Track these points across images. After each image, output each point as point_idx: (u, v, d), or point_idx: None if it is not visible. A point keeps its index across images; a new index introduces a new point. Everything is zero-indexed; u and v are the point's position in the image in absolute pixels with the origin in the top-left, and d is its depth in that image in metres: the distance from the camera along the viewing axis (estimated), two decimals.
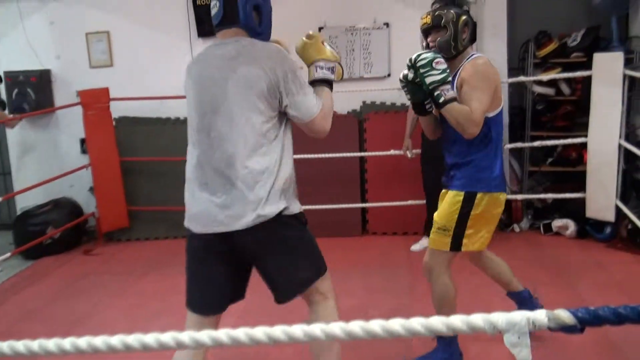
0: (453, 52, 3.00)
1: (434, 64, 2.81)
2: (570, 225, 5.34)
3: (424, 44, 3.14)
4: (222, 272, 2.58)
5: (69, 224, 5.95)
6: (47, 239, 5.77)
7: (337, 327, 1.23)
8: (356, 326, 1.21)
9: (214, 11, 2.56)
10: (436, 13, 3.01)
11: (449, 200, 3.05)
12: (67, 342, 1.30)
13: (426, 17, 3.05)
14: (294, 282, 2.58)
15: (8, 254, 5.20)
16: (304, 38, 2.68)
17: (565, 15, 5.94)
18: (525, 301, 3.42)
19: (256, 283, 2.67)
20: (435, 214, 3.14)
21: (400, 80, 3.02)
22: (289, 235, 2.54)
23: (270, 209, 2.44)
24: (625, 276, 4.47)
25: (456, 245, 3.05)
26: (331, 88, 2.69)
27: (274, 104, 2.45)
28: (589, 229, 5.28)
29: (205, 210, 2.49)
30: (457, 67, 3.02)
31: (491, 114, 2.97)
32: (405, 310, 4.04)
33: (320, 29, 5.96)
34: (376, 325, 1.20)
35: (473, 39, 3.09)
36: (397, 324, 1.18)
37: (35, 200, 6.20)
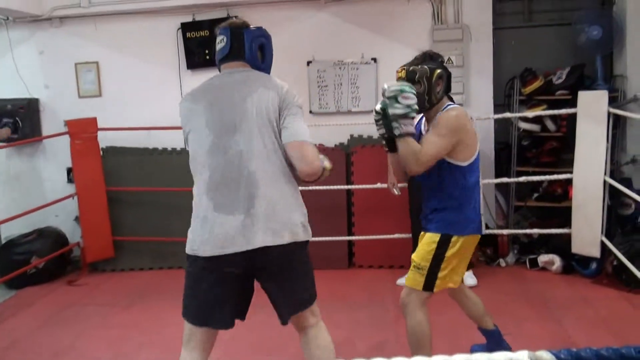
0: (427, 105, 3.08)
1: (399, 98, 2.89)
2: (556, 261, 5.36)
3: None
4: (231, 290, 2.65)
5: (54, 253, 5.90)
6: (31, 269, 5.72)
7: None
8: None
9: (220, 46, 2.74)
10: (410, 68, 3.08)
11: (426, 241, 3.17)
12: None
13: (401, 71, 3.13)
14: (299, 301, 2.72)
15: None
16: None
17: (550, 53, 6.03)
18: (494, 339, 3.61)
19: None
20: (413, 254, 3.23)
21: (376, 112, 3.04)
22: (303, 255, 2.70)
23: (291, 230, 2.58)
24: (611, 312, 4.47)
25: (429, 285, 3.13)
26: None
27: (279, 124, 2.63)
28: (574, 265, 5.30)
29: (222, 231, 2.52)
30: (433, 118, 3.11)
31: (465, 163, 3.08)
32: (391, 344, 4.03)
33: (308, 62, 6.02)
34: None
35: (448, 89, 3.16)
36: None
37: (19, 229, 6.15)
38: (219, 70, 2.78)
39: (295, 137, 2.61)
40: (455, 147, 3.03)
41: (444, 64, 3.20)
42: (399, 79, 3.12)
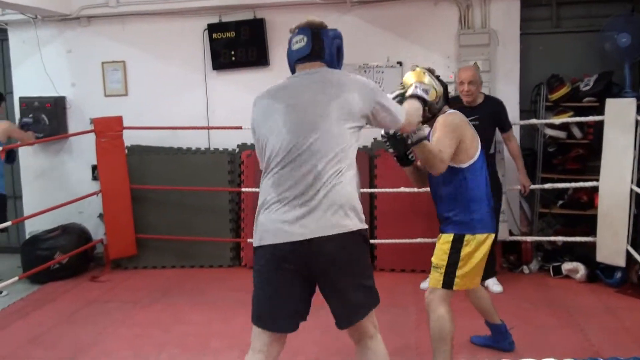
0: (429, 115, 3.31)
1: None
2: (580, 269, 5.30)
3: None
4: (295, 288, 2.63)
5: (77, 249, 5.96)
6: (55, 264, 5.77)
7: None
8: None
9: (298, 45, 2.75)
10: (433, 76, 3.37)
11: (441, 242, 3.33)
12: None
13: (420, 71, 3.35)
14: (359, 304, 2.69)
15: (16, 278, 5.21)
16: (410, 70, 3.31)
17: (578, 60, 5.97)
18: (500, 333, 3.90)
19: None
20: (433, 256, 3.38)
21: (382, 136, 3.15)
22: (362, 251, 2.67)
23: (351, 222, 2.58)
24: (635, 322, 4.41)
25: (448, 283, 3.26)
26: (424, 104, 3.12)
27: (362, 122, 2.69)
28: (599, 273, 5.24)
29: (281, 225, 2.55)
30: (434, 124, 3.34)
31: (465, 165, 3.26)
32: (411, 350, 4.00)
33: None
34: None
35: (446, 101, 3.41)
36: None
37: (44, 225, 6.21)
38: (293, 70, 2.81)
39: (395, 121, 2.79)
40: (456, 147, 3.22)
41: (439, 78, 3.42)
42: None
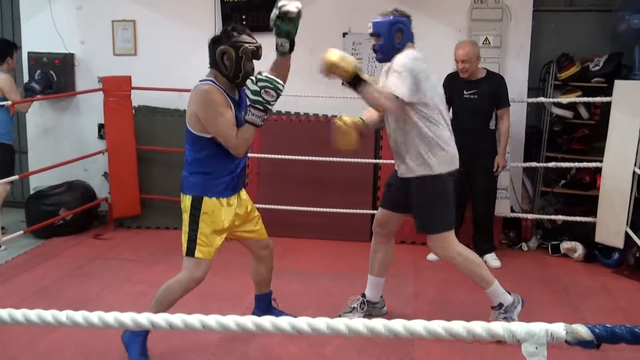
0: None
1: (262, 92, 3.18)
2: (579, 248, 5.35)
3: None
4: None
5: (82, 207, 6.02)
6: (59, 220, 5.83)
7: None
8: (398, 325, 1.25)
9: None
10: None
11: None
12: (79, 315, 1.35)
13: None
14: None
15: (20, 232, 5.27)
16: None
17: (589, 39, 5.95)
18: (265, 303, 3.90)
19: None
20: None
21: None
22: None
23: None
24: (630, 303, 4.48)
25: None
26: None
27: None
28: (596, 254, 5.30)
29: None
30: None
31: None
32: (409, 318, 4.06)
33: (344, 34, 6.01)
34: (399, 325, 1.23)
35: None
36: (419, 325, 1.22)
37: (48, 181, 6.27)
38: (402, 46, 3.63)
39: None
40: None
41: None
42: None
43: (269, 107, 3.19)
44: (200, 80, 3.31)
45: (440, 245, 3.72)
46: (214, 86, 3.25)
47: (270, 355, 3.61)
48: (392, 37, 3.58)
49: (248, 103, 3.23)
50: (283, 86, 3.19)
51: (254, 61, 3.33)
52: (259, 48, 3.32)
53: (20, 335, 3.74)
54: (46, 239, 5.80)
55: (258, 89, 3.16)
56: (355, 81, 3.42)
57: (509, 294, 3.84)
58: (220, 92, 3.25)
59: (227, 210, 3.39)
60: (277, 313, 3.80)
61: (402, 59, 3.52)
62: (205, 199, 3.32)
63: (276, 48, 3.47)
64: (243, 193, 3.56)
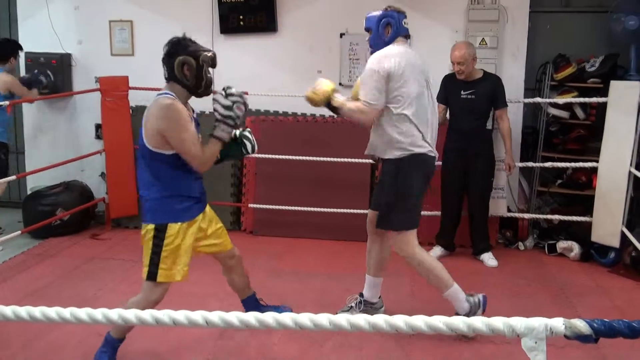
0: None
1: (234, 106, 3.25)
2: (575, 248, 5.38)
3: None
4: None
5: (79, 207, 6.01)
6: (56, 220, 5.83)
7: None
8: (400, 320, 1.27)
9: (407, 26, 3.81)
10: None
11: None
12: (83, 312, 1.36)
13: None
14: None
15: (18, 232, 5.26)
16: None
17: (585, 40, 5.98)
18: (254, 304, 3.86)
19: None
20: None
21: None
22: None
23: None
24: (626, 302, 4.50)
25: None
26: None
27: None
28: (593, 253, 5.32)
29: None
30: None
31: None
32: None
33: (342, 34, 6.02)
34: (400, 321, 1.25)
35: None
36: (420, 321, 1.23)
37: (45, 181, 6.27)
38: (391, 40, 3.72)
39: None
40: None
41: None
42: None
43: (238, 122, 3.18)
44: (159, 94, 3.16)
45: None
46: (176, 100, 3.12)
47: (269, 354, 3.63)
48: (380, 31, 3.69)
49: (218, 118, 3.18)
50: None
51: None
52: (215, 56, 3.24)
53: (19, 334, 3.75)
54: (43, 239, 5.80)
55: (230, 104, 3.15)
56: (330, 107, 3.68)
57: (469, 298, 3.80)
58: (182, 106, 3.15)
59: (192, 230, 3.29)
60: (266, 309, 3.77)
61: (368, 63, 3.65)
62: (170, 225, 3.19)
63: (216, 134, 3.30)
64: (207, 206, 3.49)
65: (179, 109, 3.08)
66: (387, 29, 3.70)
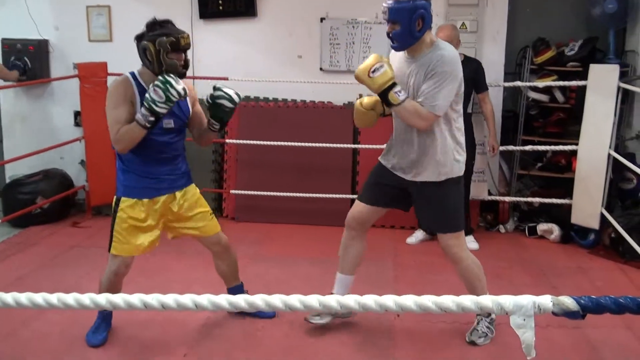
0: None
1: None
2: (555, 230, 5.44)
3: None
4: None
5: (59, 195, 5.95)
6: (36, 209, 5.77)
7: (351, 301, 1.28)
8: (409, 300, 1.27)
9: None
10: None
11: None
12: (71, 297, 1.35)
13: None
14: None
15: None
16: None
17: (564, 24, 6.02)
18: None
19: None
20: None
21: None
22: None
23: None
24: (606, 283, 4.57)
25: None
26: None
27: None
28: (573, 235, 5.38)
29: None
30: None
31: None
32: None
33: (322, 19, 6.00)
34: (390, 300, 1.26)
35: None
36: (409, 300, 1.24)
37: (25, 169, 6.19)
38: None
39: None
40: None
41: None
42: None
43: (154, 107, 3.06)
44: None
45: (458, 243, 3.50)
46: (127, 79, 3.24)
47: (254, 339, 3.63)
48: (412, 25, 3.11)
49: (147, 98, 3.11)
50: (177, 97, 3.09)
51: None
52: (179, 39, 3.19)
53: (3, 323, 3.72)
54: (23, 228, 5.74)
55: (151, 86, 3.11)
56: (384, 98, 3.21)
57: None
58: (130, 86, 3.21)
59: (149, 209, 3.37)
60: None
61: (444, 63, 3.16)
62: (123, 198, 3.37)
63: (208, 124, 3.51)
64: (189, 189, 3.54)
65: (117, 88, 3.21)
66: (420, 21, 3.13)
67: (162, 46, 3.16)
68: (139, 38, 3.25)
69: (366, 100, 3.48)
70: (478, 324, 3.61)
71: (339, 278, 3.72)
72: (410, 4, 3.12)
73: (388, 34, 3.22)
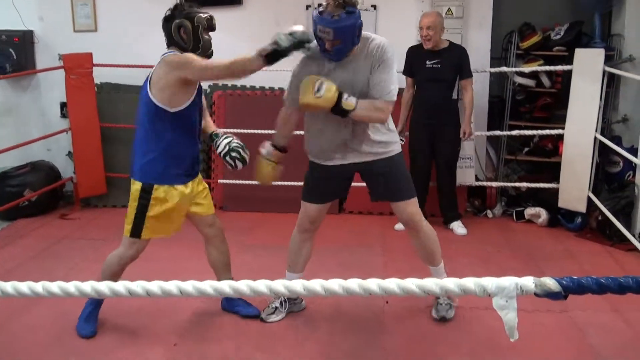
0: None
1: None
2: (542, 214, 5.47)
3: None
4: None
5: (47, 187, 5.93)
6: (24, 201, 5.75)
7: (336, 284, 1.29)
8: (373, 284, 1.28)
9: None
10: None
11: None
12: (71, 286, 1.36)
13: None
14: None
15: None
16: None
17: (549, 9, 6.03)
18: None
19: None
20: None
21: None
22: None
23: None
24: (593, 266, 4.60)
25: None
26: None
27: None
28: (560, 219, 5.42)
29: None
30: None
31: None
32: None
33: (307, 6, 5.98)
34: (374, 284, 1.27)
35: None
36: (393, 284, 1.25)
37: (11, 162, 6.15)
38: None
39: None
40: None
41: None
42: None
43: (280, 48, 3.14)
44: (164, 54, 3.24)
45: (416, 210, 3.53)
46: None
47: (242, 327, 3.64)
48: (354, 38, 3.13)
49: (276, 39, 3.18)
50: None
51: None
52: (212, 17, 3.29)
53: None
54: (11, 221, 5.73)
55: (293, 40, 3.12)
56: (338, 110, 3.14)
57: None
58: None
59: (181, 193, 3.37)
60: (243, 308, 3.75)
61: (386, 51, 3.20)
62: (157, 186, 3.29)
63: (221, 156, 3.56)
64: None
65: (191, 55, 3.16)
66: (358, 32, 3.14)
67: (201, 22, 3.22)
68: (168, 19, 3.24)
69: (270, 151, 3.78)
70: (438, 299, 3.68)
71: (292, 277, 3.65)
72: (351, 20, 3.05)
73: (326, 50, 3.14)
